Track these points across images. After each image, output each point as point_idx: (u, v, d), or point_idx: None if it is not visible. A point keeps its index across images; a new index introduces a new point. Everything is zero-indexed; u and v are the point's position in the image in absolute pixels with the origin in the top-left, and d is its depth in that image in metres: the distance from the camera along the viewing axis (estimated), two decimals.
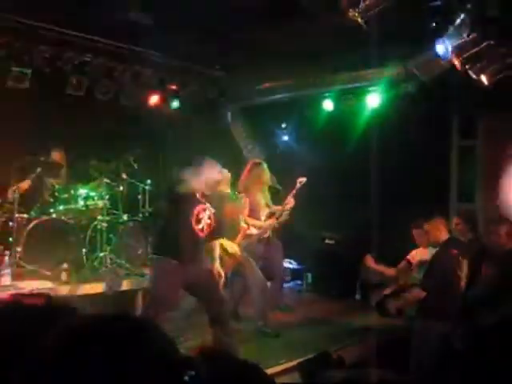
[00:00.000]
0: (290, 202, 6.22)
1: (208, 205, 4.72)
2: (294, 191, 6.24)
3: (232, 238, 5.55)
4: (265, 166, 6.40)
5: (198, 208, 4.64)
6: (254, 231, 6.08)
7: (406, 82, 6.81)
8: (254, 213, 6.20)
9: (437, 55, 6.00)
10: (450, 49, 5.56)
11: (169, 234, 4.67)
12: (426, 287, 4.87)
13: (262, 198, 6.31)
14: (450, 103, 7.18)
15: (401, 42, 6.26)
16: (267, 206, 6.38)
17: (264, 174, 6.32)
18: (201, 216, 4.65)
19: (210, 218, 4.73)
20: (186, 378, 0.86)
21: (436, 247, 5.16)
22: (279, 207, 6.44)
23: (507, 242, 5.15)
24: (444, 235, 5.00)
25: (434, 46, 5.97)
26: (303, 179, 6.25)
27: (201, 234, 4.67)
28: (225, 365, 1.18)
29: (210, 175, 4.60)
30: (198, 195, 4.64)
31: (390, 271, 5.78)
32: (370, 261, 5.78)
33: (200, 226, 4.65)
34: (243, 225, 5.87)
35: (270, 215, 6.37)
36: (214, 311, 4.67)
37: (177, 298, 4.75)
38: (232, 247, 5.48)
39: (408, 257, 5.90)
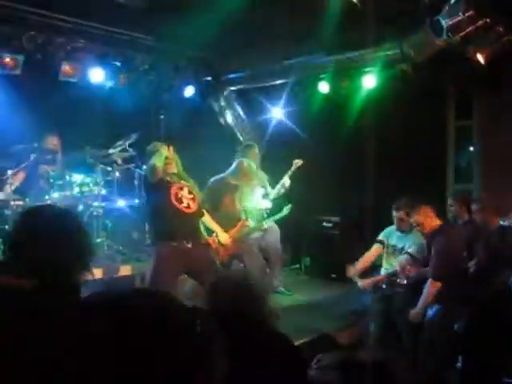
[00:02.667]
0: (286, 182, 6.27)
1: (182, 182, 4.80)
2: (290, 172, 6.29)
3: (228, 229, 5.53)
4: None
5: (174, 188, 4.69)
6: (251, 223, 6.08)
7: (401, 62, 6.75)
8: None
9: (432, 34, 5.95)
10: (445, 28, 5.52)
11: (158, 221, 4.73)
12: (440, 277, 4.65)
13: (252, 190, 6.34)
14: (445, 83, 7.14)
15: (396, 21, 6.20)
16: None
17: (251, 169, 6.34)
18: (180, 195, 4.70)
19: (190, 192, 4.79)
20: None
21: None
22: (274, 190, 6.49)
23: (487, 219, 5.22)
24: (436, 221, 4.87)
25: (429, 25, 5.92)
26: (299, 161, 6.28)
27: (188, 211, 4.70)
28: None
29: (160, 155, 4.64)
30: (166, 177, 4.70)
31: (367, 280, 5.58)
32: (351, 271, 5.66)
33: (184, 204, 4.69)
34: (243, 219, 5.83)
35: (265, 197, 6.39)
36: None
37: (176, 282, 4.75)
38: (224, 238, 5.42)
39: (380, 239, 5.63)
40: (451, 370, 4.44)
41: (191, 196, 4.80)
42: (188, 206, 4.73)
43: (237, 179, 5.76)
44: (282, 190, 6.51)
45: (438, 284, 4.62)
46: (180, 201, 4.69)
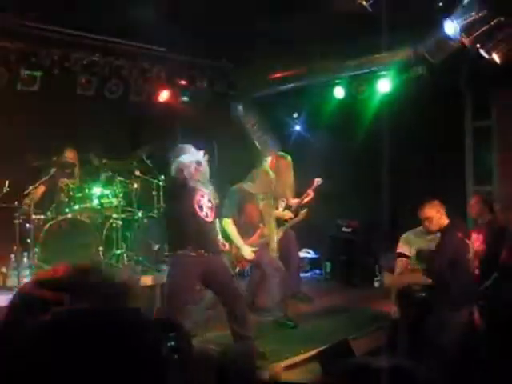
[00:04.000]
0: (309, 195, 6.25)
1: (202, 188, 4.75)
2: (311, 190, 6.27)
3: (247, 239, 5.55)
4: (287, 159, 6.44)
5: (197, 196, 4.68)
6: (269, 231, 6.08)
7: (416, 65, 6.72)
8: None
9: (446, 36, 5.91)
10: (459, 28, 5.47)
11: (178, 228, 4.71)
12: (445, 278, 4.58)
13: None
14: (462, 84, 7.06)
15: (409, 24, 6.16)
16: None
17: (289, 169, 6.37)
18: (201, 203, 4.70)
19: (209, 201, 4.79)
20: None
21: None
22: (297, 200, 6.46)
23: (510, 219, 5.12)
24: (445, 220, 4.78)
25: (443, 27, 5.88)
26: (320, 180, 6.28)
27: (207, 220, 4.72)
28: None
29: (193, 159, 4.63)
30: (191, 183, 4.65)
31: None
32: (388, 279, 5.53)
33: (204, 213, 4.70)
34: (261, 225, 5.84)
35: (287, 207, 6.39)
36: (230, 305, 4.68)
37: (194, 292, 4.77)
38: (248, 253, 5.48)
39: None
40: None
41: (210, 205, 4.80)
42: (207, 215, 4.74)
43: (254, 188, 5.76)
44: (305, 200, 6.47)
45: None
46: (201, 209, 4.69)
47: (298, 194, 6.68)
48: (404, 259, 5.12)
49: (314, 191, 6.36)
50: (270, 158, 6.45)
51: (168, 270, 4.89)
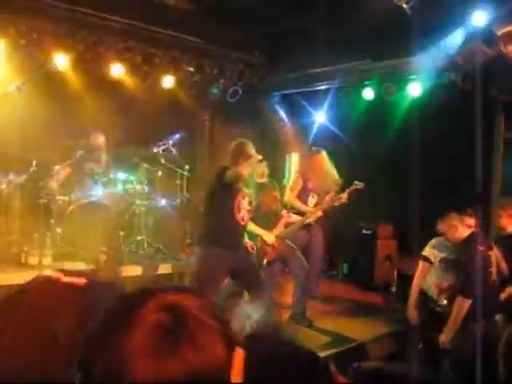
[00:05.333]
0: (344, 198, 6.09)
1: (246, 191, 4.77)
2: (348, 191, 6.13)
3: (271, 228, 5.53)
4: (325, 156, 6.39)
5: (239, 197, 4.69)
6: (294, 217, 6.03)
7: (449, 70, 6.65)
8: (302, 197, 6.29)
9: (482, 43, 5.84)
10: (497, 37, 5.41)
11: (213, 225, 4.72)
12: (469, 294, 4.35)
13: (316, 185, 6.30)
14: (495, 93, 6.97)
15: (446, 28, 6.10)
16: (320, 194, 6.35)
17: (325, 164, 6.30)
18: (241, 204, 4.71)
19: (249, 203, 4.83)
20: None
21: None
22: (328, 200, 6.31)
23: None
24: (461, 231, 4.57)
25: (480, 33, 5.81)
26: (361, 184, 6.12)
27: (242, 223, 4.76)
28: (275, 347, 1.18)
29: (255, 160, 4.67)
30: (239, 184, 4.66)
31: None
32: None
33: (241, 215, 4.72)
34: (283, 213, 5.82)
35: (316, 204, 6.33)
36: (255, 294, 4.74)
37: (219, 285, 4.83)
38: (270, 238, 5.46)
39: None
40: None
41: (249, 208, 4.83)
42: (243, 218, 4.77)
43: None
44: (337, 202, 6.27)
45: (469, 302, 4.34)
46: (239, 210, 4.71)
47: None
48: (426, 264, 5.06)
49: (349, 194, 6.14)
50: (294, 155, 6.38)
51: (198, 262, 4.86)
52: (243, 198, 4.73)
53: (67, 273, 1.18)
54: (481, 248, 4.49)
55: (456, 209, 4.76)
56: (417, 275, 5.12)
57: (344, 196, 6.04)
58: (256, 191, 5.52)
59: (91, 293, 1.16)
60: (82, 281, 1.17)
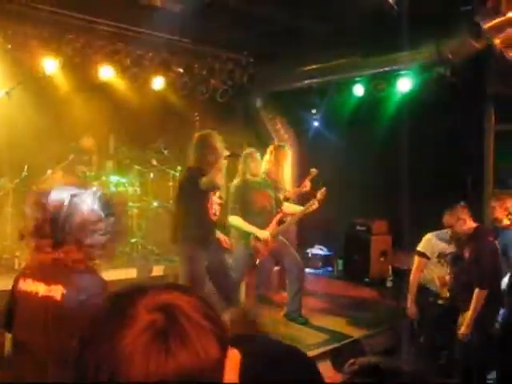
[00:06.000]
0: (307, 185, 6.21)
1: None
2: (308, 178, 6.24)
3: (264, 226, 5.52)
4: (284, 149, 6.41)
5: (210, 193, 4.84)
6: (288, 206, 6.04)
7: (438, 65, 6.66)
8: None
9: (470, 36, 5.85)
10: (484, 29, 5.41)
11: (188, 224, 4.80)
12: (486, 285, 4.35)
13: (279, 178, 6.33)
14: (484, 86, 7.00)
15: (433, 23, 6.11)
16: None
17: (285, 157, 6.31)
18: (212, 200, 4.86)
19: (220, 197, 4.98)
20: None
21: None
22: (295, 190, 6.45)
23: None
24: (468, 224, 4.57)
25: (468, 27, 5.82)
26: (315, 170, 6.20)
27: (214, 218, 4.91)
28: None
29: (221, 154, 4.74)
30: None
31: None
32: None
33: (213, 211, 4.87)
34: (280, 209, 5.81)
35: (285, 198, 6.33)
36: (226, 293, 4.88)
37: (205, 282, 4.85)
38: (263, 235, 5.45)
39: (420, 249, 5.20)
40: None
41: (220, 201, 4.98)
42: (215, 213, 4.91)
43: (248, 172, 5.63)
44: (303, 190, 6.38)
45: (485, 293, 4.35)
46: (211, 207, 4.85)
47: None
48: (423, 259, 5.06)
49: (310, 181, 6.28)
50: (269, 149, 6.35)
51: (183, 261, 4.91)
52: (214, 193, 4.87)
53: None
54: (490, 239, 4.53)
55: (455, 200, 4.76)
56: (413, 271, 5.12)
57: (307, 184, 6.22)
58: (249, 188, 5.54)
59: None
60: None
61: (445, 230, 4.86)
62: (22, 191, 6.18)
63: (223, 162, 4.74)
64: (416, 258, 5.11)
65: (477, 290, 4.36)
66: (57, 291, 1.92)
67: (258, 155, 5.66)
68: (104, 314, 0.86)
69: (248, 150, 5.69)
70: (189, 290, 0.90)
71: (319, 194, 5.71)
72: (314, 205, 5.70)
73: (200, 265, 4.78)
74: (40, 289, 1.96)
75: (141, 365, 0.77)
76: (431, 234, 5.08)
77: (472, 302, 4.39)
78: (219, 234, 5.13)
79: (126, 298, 0.86)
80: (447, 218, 4.71)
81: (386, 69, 7.12)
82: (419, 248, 5.10)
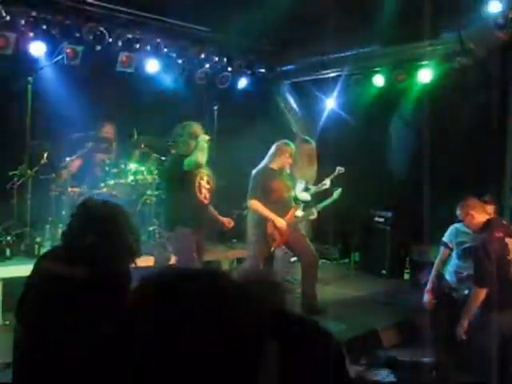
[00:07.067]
0: (327, 184, 6.22)
1: (203, 171, 5.10)
2: (332, 177, 6.23)
3: (280, 215, 5.52)
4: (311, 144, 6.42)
5: (198, 178, 5.04)
6: (299, 213, 6.07)
7: (460, 55, 6.56)
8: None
9: (494, 26, 5.76)
10: (508, 19, 5.33)
11: (180, 209, 5.02)
12: (483, 283, 4.27)
13: (302, 173, 6.37)
14: (507, 77, 6.88)
15: (456, 13, 6.02)
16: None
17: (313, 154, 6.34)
18: (201, 185, 5.06)
19: (208, 182, 5.13)
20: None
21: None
22: (314, 187, 6.44)
23: None
24: (480, 217, 4.48)
25: (492, 17, 5.73)
26: (342, 169, 6.20)
27: (205, 202, 5.11)
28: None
29: (203, 150, 4.95)
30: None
31: None
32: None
33: (203, 195, 5.07)
34: (294, 204, 5.80)
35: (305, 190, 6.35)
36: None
37: (195, 260, 5.02)
38: (281, 223, 5.46)
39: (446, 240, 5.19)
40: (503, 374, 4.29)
41: (208, 186, 5.15)
42: (205, 197, 5.10)
43: (276, 163, 5.66)
44: (323, 188, 6.42)
45: (484, 291, 4.25)
46: (200, 191, 5.06)
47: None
48: (446, 250, 5.03)
49: (332, 180, 6.29)
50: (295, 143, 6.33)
51: (173, 244, 5.25)
52: (202, 178, 5.08)
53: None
54: (498, 235, 4.39)
55: (475, 195, 4.68)
56: (437, 260, 5.12)
57: (327, 182, 6.21)
58: (271, 176, 5.55)
59: None
60: None
61: None
62: (41, 179, 6.24)
63: (204, 145, 4.94)
64: (441, 248, 5.10)
65: (474, 289, 4.28)
66: None
67: (288, 148, 5.66)
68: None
69: (279, 142, 5.71)
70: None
71: (336, 171, 6.04)
72: (325, 185, 6.11)
73: (192, 246, 4.99)
74: None
75: None
76: (457, 224, 5.02)
77: (468, 302, 4.32)
78: (220, 217, 5.39)
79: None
80: (459, 211, 4.64)
81: (407, 59, 7.04)
82: (443, 238, 5.08)
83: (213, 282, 0.89)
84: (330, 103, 8.28)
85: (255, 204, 5.50)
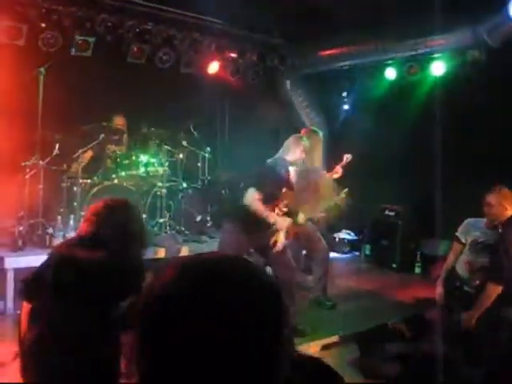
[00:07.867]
0: (338, 171, 6.12)
1: None
2: (341, 164, 6.16)
3: (308, 212, 5.47)
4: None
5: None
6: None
7: (473, 48, 6.50)
8: None
9: (509, 19, 5.70)
10: None
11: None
12: (500, 280, 4.17)
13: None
14: None
15: (469, 5, 5.96)
16: None
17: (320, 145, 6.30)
18: None
19: None
20: None
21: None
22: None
23: None
24: (508, 213, 4.36)
25: (506, 9, 5.67)
26: (349, 156, 6.14)
27: None
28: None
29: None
30: None
31: None
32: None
33: None
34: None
35: None
36: None
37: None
38: (302, 218, 5.42)
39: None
40: None
41: None
42: None
43: (291, 154, 5.59)
44: (335, 176, 6.36)
45: (500, 288, 4.17)
46: None
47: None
48: (459, 244, 4.97)
49: (342, 168, 6.22)
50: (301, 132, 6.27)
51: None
52: None
53: None
54: None
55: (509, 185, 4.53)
56: (449, 255, 5.07)
57: (338, 170, 6.11)
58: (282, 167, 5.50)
59: None
60: None
61: (483, 219, 4.73)
62: (53, 170, 6.27)
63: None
64: (454, 243, 5.05)
65: (489, 284, 4.21)
66: None
67: (304, 142, 5.58)
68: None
69: (297, 135, 5.66)
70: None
71: (344, 159, 6.03)
72: (337, 172, 6.01)
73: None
74: None
75: None
76: (470, 219, 4.96)
77: (481, 297, 4.25)
78: None
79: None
80: (491, 196, 4.44)
81: (420, 52, 6.99)
82: (457, 232, 5.03)
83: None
84: (342, 96, 8.24)
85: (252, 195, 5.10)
